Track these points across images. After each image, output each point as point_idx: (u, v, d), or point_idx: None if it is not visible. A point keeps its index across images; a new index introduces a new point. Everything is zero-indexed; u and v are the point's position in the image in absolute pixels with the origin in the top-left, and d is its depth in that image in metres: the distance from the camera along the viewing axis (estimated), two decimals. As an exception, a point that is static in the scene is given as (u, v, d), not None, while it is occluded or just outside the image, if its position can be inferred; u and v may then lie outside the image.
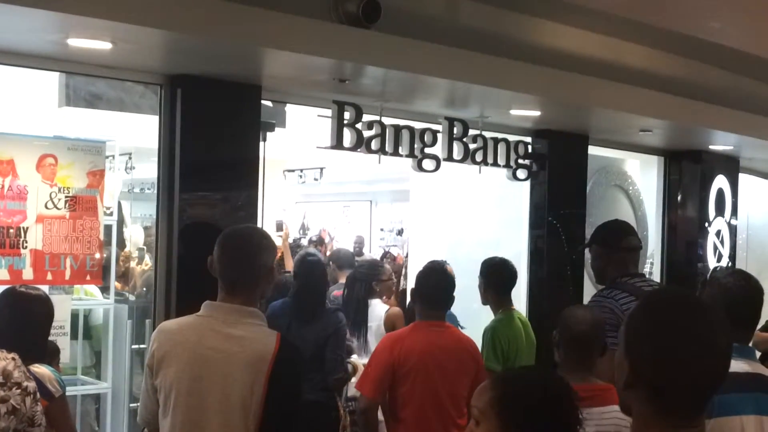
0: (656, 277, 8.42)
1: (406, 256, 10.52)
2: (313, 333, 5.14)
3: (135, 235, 8.37)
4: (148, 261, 7.71)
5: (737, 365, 2.77)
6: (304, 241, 11.98)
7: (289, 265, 6.73)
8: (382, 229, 13.81)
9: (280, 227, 8.04)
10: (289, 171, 11.23)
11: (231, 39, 4.32)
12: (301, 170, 11.17)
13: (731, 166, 8.82)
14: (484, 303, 5.41)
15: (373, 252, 12.38)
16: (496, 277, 5.36)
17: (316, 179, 11.17)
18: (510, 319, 5.28)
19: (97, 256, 5.01)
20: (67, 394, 3.75)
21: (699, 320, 1.82)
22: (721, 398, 2.41)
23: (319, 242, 11.15)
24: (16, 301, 3.74)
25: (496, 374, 2.17)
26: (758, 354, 5.04)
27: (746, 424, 2.83)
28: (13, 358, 2.63)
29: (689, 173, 8.44)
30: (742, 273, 3.36)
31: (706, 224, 8.54)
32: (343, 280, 6.75)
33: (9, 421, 2.48)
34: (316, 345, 5.11)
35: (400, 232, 13.02)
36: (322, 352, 5.13)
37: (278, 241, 7.50)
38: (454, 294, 4.73)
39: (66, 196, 4.81)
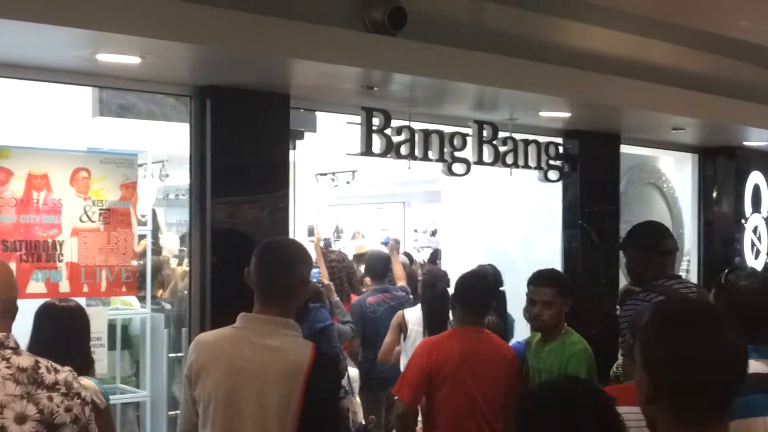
0: (693, 275, 8.35)
1: (437, 257, 10.52)
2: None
3: (170, 242, 8.43)
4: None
5: (759, 366, 2.75)
6: (337, 244, 12.02)
7: (323, 271, 6.74)
8: (415, 230, 13.83)
9: (311, 232, 8.05)
10: (322, 174, 11.26)
11: (258, 50, 4.35)
12: (334, 173, 11.19)
13: (767, 161, 8.72)
14: None
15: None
16: None
17: (348, 182, 11.19)
18: None
19: (134, 263, 5.06)
20: (109, 402, 3.82)
21: (709, 324, 1.86)
22: (743, 399, 2.43)
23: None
24: (57, 316, 3.81)
25: (527, 388, 2.15)
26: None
27: None
28: (71, 370, 2.75)
29: (724, 169, 8.36)
30: (757, 274, 3.34)
31: (743, 221, 8.46)
32: (376, 286, 6.72)
33: (72, 429, 2.60)
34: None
35: (433, 233, 13.03)
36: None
37: (310, 246, 7.51)
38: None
39: (100, 209, 4.85)
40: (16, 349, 2.61)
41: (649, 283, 4.27)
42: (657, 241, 4.41)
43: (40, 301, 3.98)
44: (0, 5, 3.49)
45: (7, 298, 2.65)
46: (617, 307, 5.41)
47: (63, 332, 3.75)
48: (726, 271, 3.41)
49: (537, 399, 2.04)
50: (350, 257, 9.15)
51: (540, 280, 4.74)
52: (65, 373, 2.68)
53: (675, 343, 1.84)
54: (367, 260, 7.24)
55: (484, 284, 4.82)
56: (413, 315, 6.18)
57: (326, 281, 6.25)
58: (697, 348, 1.82)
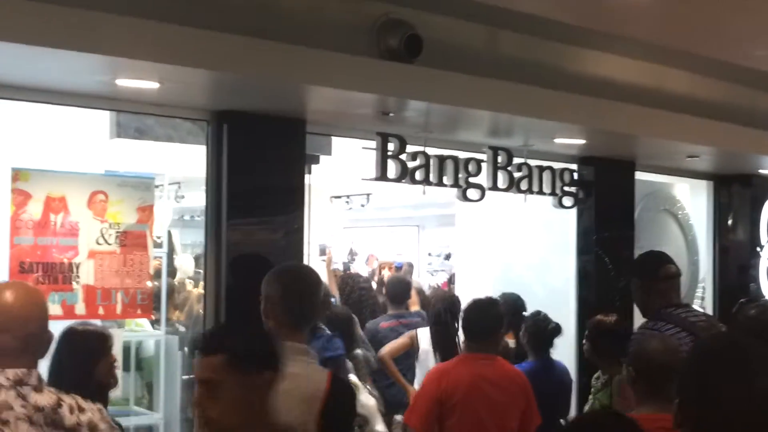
0: (708, 302, 8.32)
1: (452, 281, 10.50)
2: None
3: (185, 264, 8.48)
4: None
5: None
6: (353, 267, 12.02)
7: (334, 290, 6.74)
8: (429, 254, 13.81)
9: (323, 251, 8.05)
10: (336, 197, 11.29)
11: (275, 77, 4.39)
12: (348, 196, 11.21)
13: (783, 188, 8.71)
14: None
15: (421, 278, 12.37)
16: None
17: (362, 205, 11.21)
18: None
19: (149, 284, 5.09)
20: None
21: (744, 370, 1.87)
22: None
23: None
24: (63, 339, 3.82)
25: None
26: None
27: None
28: (99, 410, 2.62)
29: (739, 197, 8.34)
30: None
31: (758, 248, 8.43)
32: (392, 311, 6.73)
33: None
34: None
35: (447, 257, 13.01)
36: None
37: (321, 266, 7.52)
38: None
39: (116, 232, 4.90)
40: (36, 387, 2.45)
41: (658, 311, 4.27)
42: (656, 268, 4.41)
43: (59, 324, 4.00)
44: (22, 32, 3.55)
45: (23, 334, 2.47)
46: (584, 342, 5.32)
47: (73, 357, 3.74)
48: (738, 303, 3.41)
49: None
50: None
51: (202, 344, 2.52)
52: (91, 412, 2.54)
53: (704, 383, 1.87)
54: (388, 285, 7.26)
55: (489, 312, 4.76)
56: (425, 335, 6.18)
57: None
58: (724, 393, 1.84)
